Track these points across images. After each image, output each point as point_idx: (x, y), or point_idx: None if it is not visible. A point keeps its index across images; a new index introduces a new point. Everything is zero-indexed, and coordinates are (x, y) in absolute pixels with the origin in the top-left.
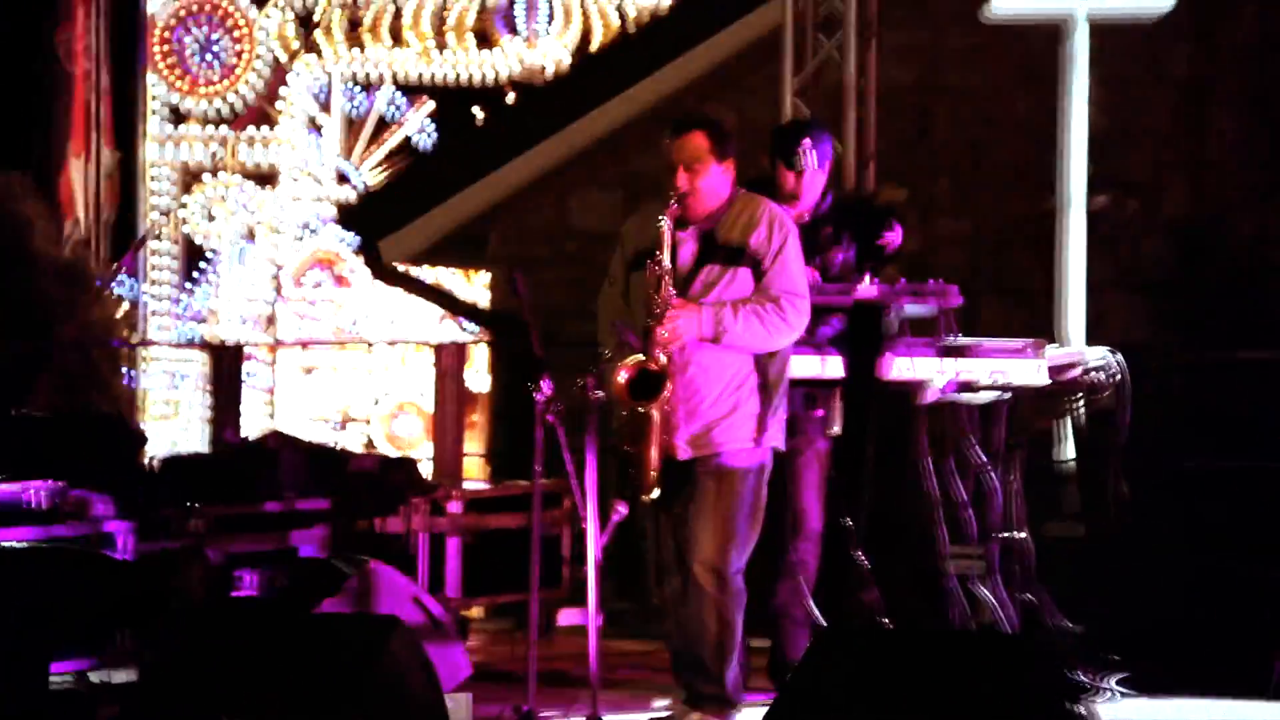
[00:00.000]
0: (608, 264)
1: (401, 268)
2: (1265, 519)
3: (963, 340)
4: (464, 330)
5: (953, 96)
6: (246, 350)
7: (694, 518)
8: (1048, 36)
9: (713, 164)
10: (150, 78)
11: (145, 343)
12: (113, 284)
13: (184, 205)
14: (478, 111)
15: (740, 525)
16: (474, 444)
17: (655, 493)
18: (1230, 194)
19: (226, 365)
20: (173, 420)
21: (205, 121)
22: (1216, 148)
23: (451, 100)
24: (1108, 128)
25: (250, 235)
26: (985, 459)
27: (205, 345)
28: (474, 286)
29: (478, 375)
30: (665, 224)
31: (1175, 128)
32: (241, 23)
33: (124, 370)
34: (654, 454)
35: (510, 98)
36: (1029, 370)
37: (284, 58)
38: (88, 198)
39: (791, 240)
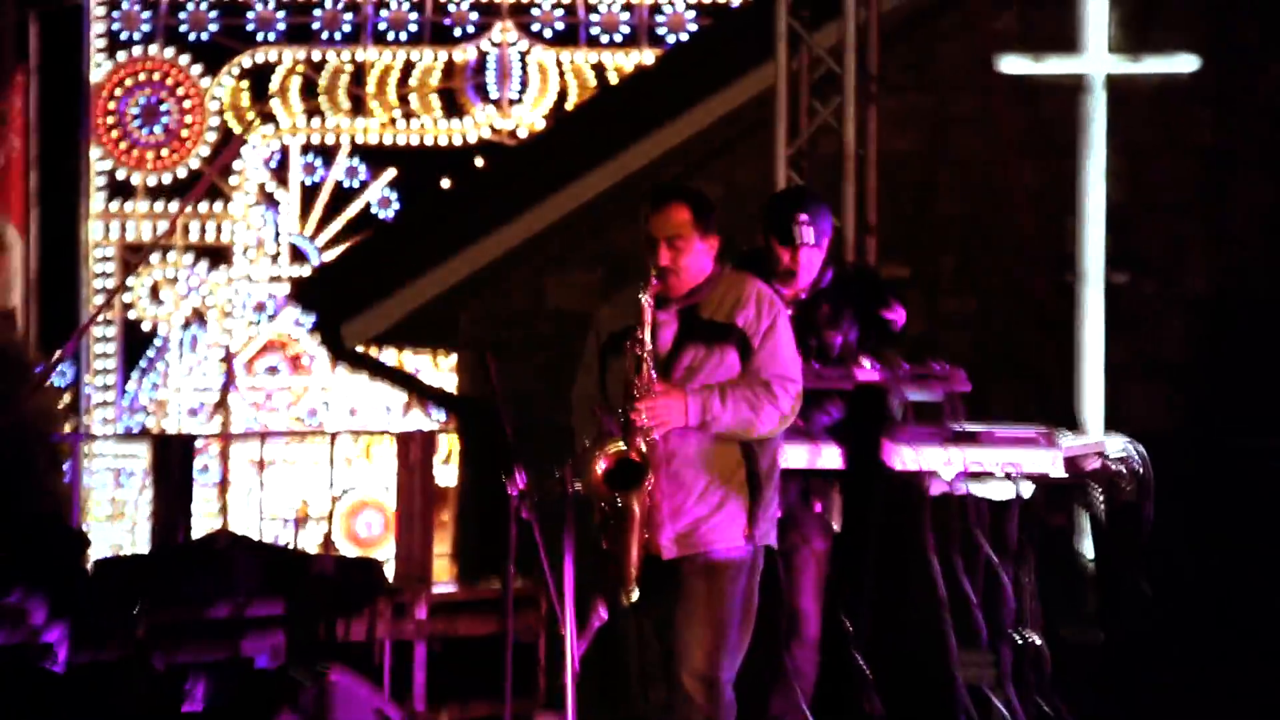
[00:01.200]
0: (582, 349)
1: (362, 350)
2: None
3: (971, 427)
4: (430, 419)
5: (956, 166)
6: (196, 443)
7: (681, 623)
8: (1059, 102)
9: (695, 238)
10: (93, 151)
11: (88, 436)
12: (53, 373)
13: (128, 286)
14: (445, 182)
15: (731, 630)
16: (440, 544)
17: (635, 594)
18: (1257, 269)
19: (174, 458)
20: (118, 521)
21: (153, 195)
22: (1241, 220)
23: (417, 166)
24: (1125, 199)
25: (200, 318)
26: (997, 556)
27: (151, 436)
28: (441, 371)
29: (446, 467)
30: (646, 301)
31: (1197, 199)
32: (190, 90)
33: (64, 467)
34: (635, 551)
35: (479, 161)
36: (1044, 460)
37: (237, 128)
38: (27, 278)
39: (782, 319)
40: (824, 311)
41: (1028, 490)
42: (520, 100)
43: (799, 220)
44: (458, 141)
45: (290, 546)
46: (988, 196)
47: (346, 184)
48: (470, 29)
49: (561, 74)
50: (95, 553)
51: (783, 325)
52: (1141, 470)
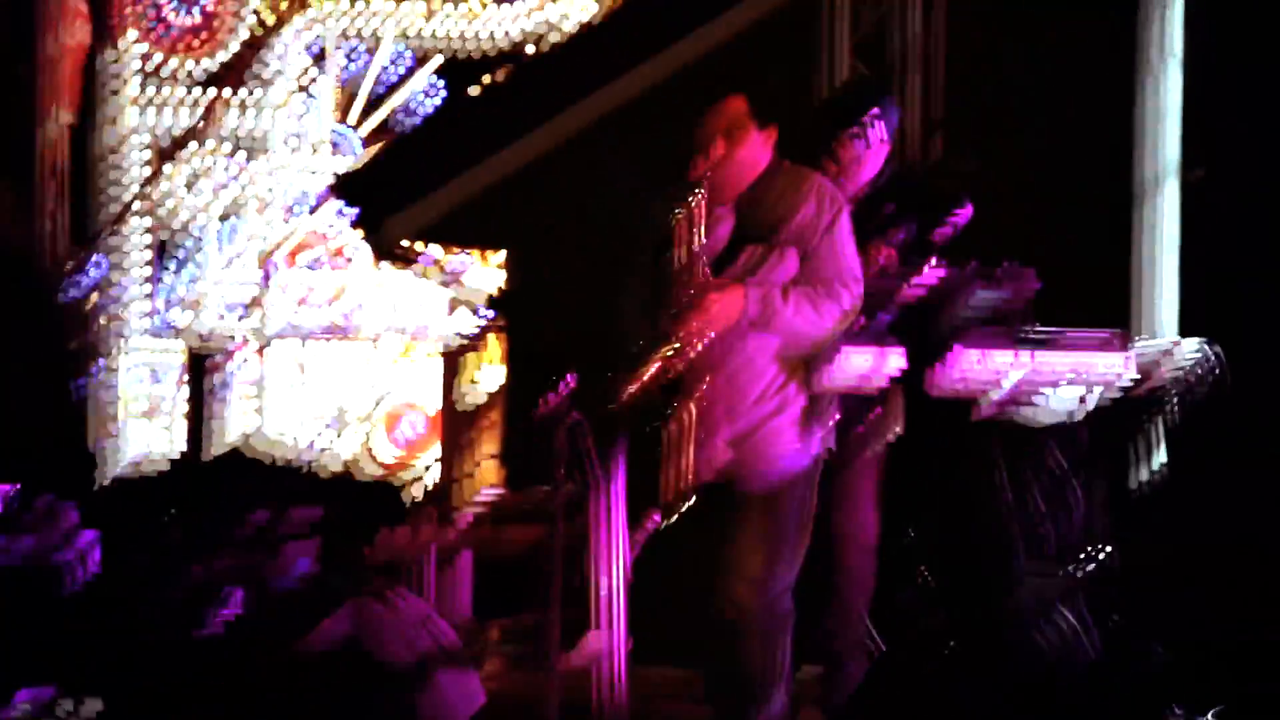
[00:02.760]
0: (633, 247)
1: (407, 246)
2: None
3: (1041, 331)
4: (478, 318)
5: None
6: (230, 345)
7: (735, 532)
8: None
9: (752, 131)
10: (130, 34)
11: (122, 333)
12: (78, 275)
13: (165, 177)
14: (487, 79)
15: (789, 539)
16: (489, 445)
17: (687, 504)
18: None
19: (207, 362)
20: (154, 419)
21: (186, 84)
22: None
23: (460, 61)
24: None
25: (236, 212)
26: (1067, 467)
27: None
28: (489, 268)
29: (490, 370)
30: (700, 196)
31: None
32: None
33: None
34: (687, 462)
35: (527, 57)
36: (1115, 364)
37: (271, 16)
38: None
39: (844, 216)
40: (888, 210)
41: (1095, 398)
42: None
43: (870, 116)
44: (501, 35)
45: (329, 452)
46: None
47: (389, 75)
48: None
49: None
50: (132, 451)
51: (844, 222)
52: (1218, 374)
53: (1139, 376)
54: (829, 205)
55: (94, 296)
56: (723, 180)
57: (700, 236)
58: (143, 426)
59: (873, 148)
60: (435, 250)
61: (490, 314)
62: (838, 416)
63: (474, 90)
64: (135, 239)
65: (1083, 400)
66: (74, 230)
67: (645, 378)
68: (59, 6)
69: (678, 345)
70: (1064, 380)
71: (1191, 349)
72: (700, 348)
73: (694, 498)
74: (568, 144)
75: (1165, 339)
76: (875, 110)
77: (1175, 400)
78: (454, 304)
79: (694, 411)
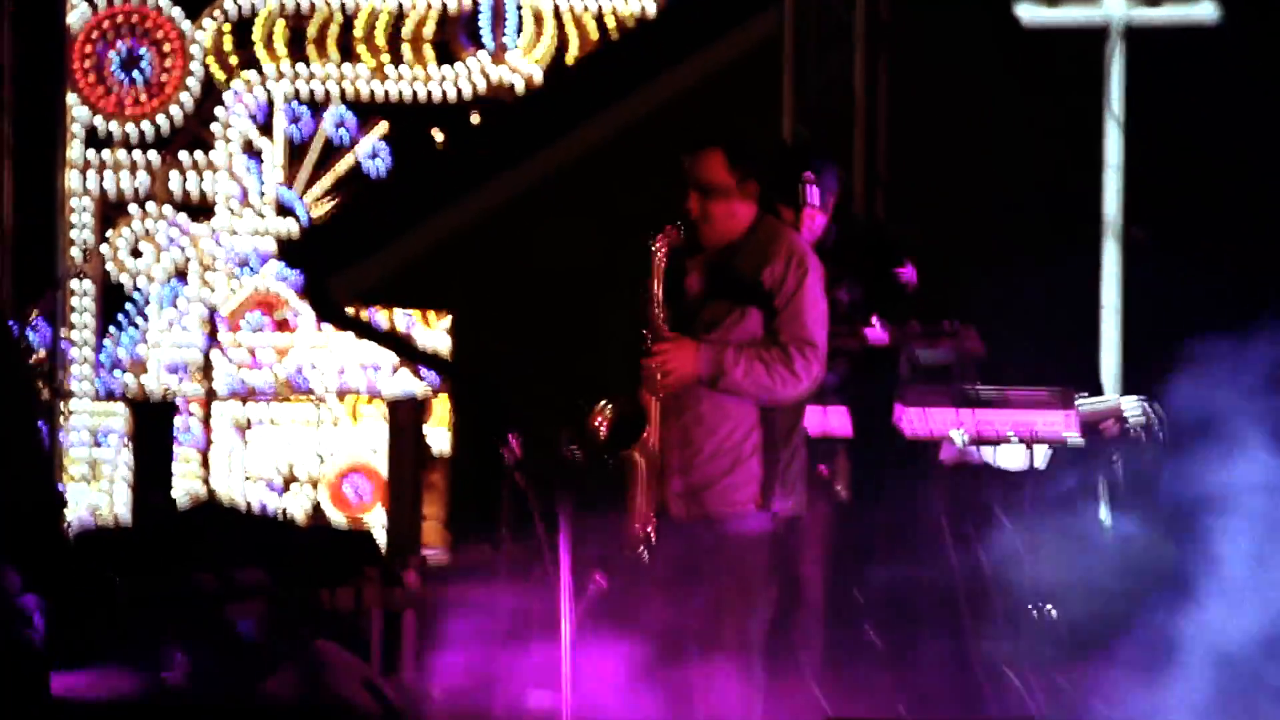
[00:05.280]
0: (592, 304)
1: (351, 310)
2: None
3: (983, 389)
4: (421, 380)
5: (970, 120)
6: (176, 404)
7: (709, 609)
8: (1076, 52)
9: (730, 186)
10: (70, 97)
11: (64, 395)
12: (27, 330)
13: (106, 240)
14: (437, 134)
15: (754, 601)
16: (431, 507)
17: (643, 551)
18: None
19: (153, 421)
20: (95, 483)
21: (131, 146)
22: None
23: (408, 121)
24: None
25: (181, 274)
26: (1011, 524)
27: (129, 399)
28: (434, 330)
29: (438, 433)
30: (659, 250)
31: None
32: (172, 35)
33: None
34: (641, 505)
35: (474, 118)
36: (1057, 422)
37: (220, 75)
38: (1, 231)
39: (810, 280)
40: (829, 270)
41: (1043, 457)
42: (515, 49)
43: (805, 180)
44: (451, 95)
45: (277, 515)
46: (998, 149)
47: (334, 137)
48: None
49: (560, 23)
50: (71, 514)
51: (811, 285)
52: (1161, 434)
53: (1083, 438)
54: (795, 268)
55: (40, 355)
56: (699, 234)
57: (657, 287)
58: (82, 489)
59: (808, 211)
60: (378, 313)
61: (434, 377)
62: (799, 477)
63: (418, 153)
64: (77, 301)
65: (1031, 453)
66: (18, 288)
67: (607, 413)
68: None
69: (614, 401)
70: (1006, 437)
71: (1134, 408)
72: (652, 400)
73: (646, 547)
74: (515, 202)
75: (1108, 397)
76: (810, 175)
77: (1119, 460)
78: (397, 367)
79: (645, 461)
